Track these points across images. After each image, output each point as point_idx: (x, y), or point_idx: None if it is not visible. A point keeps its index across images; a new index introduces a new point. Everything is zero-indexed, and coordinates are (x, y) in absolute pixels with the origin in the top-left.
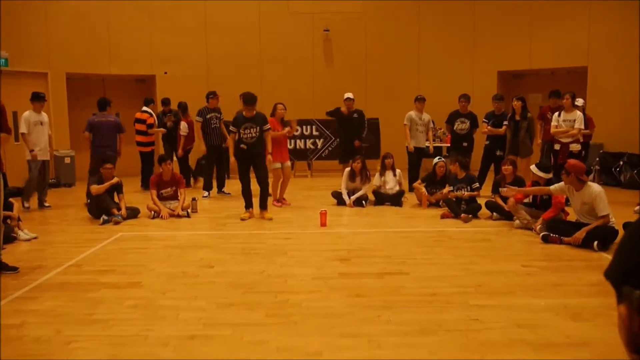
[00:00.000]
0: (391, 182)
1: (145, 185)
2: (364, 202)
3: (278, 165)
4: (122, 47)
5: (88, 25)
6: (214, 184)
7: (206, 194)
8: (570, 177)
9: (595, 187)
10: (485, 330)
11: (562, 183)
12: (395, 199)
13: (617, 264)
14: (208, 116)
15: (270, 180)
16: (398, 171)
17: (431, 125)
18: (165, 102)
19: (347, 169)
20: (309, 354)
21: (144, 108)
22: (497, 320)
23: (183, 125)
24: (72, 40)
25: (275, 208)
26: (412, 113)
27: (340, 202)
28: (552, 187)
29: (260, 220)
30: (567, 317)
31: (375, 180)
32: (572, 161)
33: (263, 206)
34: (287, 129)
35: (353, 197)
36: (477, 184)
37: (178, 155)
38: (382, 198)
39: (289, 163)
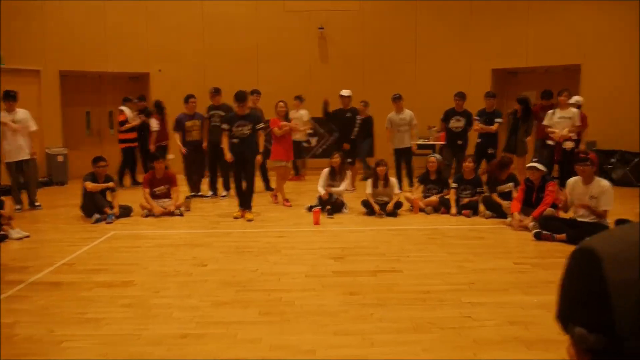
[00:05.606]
0: (384, 195)
1: (121, 181)
2: (344, 210)
3: (283, 163)
4: (116, 44)
5: (82, 23)
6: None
7: (225, 193)
8: (593, 167)
9: (605, 182)
10: (478, 327)
11: (569, 187)
12: (387, 208)
13: (559, 305)
14: (211, 113)
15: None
16: (393, 180)
17: (414, 122)
18: (141, 98)
19: (326, 169)
20: (302, 352)
21: (120, 107)
22: (490, 318)
23: (153, 121)
24: (66, 37)
25: (279, 207)
26: (392, 114)
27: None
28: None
29: (254, 219)
30: None
31: (367, 188)
32: (592, 154)
33: (246, 205)
34: (287, 124)
35: (333, 190)
36: (483, 188)
37: (151, 151)
38: (374, 207)
39: (289, 164)
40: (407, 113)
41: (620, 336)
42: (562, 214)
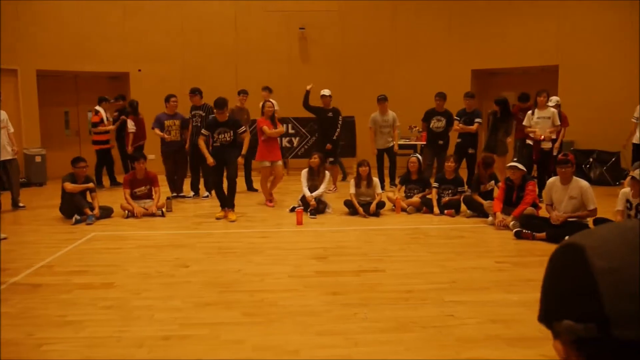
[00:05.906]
0: (366, 195)
1: (100, 182)
2: (327, 209)
3: (267, 163)
4: (95, 44)
5: (60, 22)
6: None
7: (207, 194)
8: (573, 168)
9: (583, 182)
10: (461, 325)
11: (548, 187)
12: (371, 208)
13: (543, 305)
14: (192, 113)
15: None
16: (376, 180)
17: (397, 123)
18: (119, 97)
19: (305, 170)
20: (286, 352)
21: (96, 107)
22: (472, 316)
23: (129, 122)
24: (43, 37)
25: (261, 207)
26: (375, 115)
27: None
28: (545, 203)
29: (237, 219)
30: None
31: (350, 188)
32: (570, 155)
33: (229, 205)
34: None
35: (314, 194)
36: (464, 188)
37: (128, 152)
38: (357, 208)
39: (280, 162)
40: (391, 114)
41: (610, 323)
42: (541, 213)
